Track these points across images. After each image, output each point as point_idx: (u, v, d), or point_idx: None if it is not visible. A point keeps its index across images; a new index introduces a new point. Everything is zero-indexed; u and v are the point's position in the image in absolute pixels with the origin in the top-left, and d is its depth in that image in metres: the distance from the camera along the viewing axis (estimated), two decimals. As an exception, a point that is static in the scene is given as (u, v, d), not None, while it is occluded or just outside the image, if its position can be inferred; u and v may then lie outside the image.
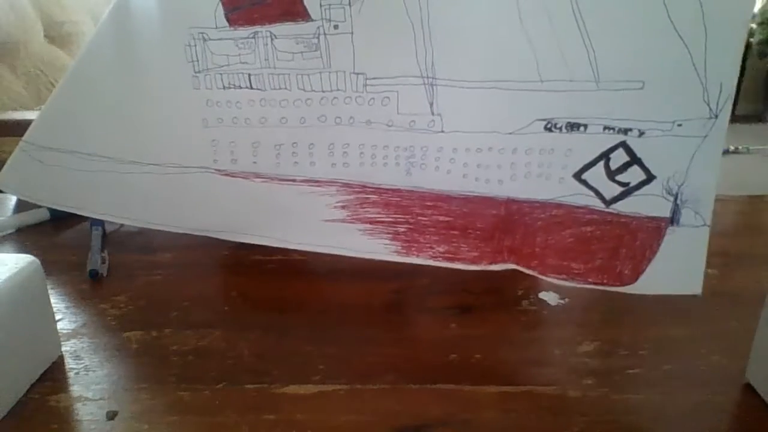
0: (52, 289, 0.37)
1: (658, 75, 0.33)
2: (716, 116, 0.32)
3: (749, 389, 0.34)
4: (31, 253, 0.35)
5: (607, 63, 0.33)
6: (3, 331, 0.32)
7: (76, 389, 0.34)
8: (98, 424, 0.32)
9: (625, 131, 0.34)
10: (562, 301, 0.43)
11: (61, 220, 0.55)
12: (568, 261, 0.38)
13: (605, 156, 0.35)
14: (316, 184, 0.41)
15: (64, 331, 0.39)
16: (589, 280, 0.38)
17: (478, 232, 0.40)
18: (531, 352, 0.38)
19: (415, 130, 0.38)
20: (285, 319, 0.41)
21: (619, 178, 0.35)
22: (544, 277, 0.39)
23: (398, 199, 0.40)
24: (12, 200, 0.62)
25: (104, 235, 0.51)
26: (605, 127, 0.34)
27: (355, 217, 0.41)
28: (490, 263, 0.40)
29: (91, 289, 0.45)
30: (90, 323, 0.41)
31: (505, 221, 0.39)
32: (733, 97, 0.32)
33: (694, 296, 0.45)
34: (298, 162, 0.40)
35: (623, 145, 0.34)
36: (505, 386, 0.34)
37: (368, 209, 0.41)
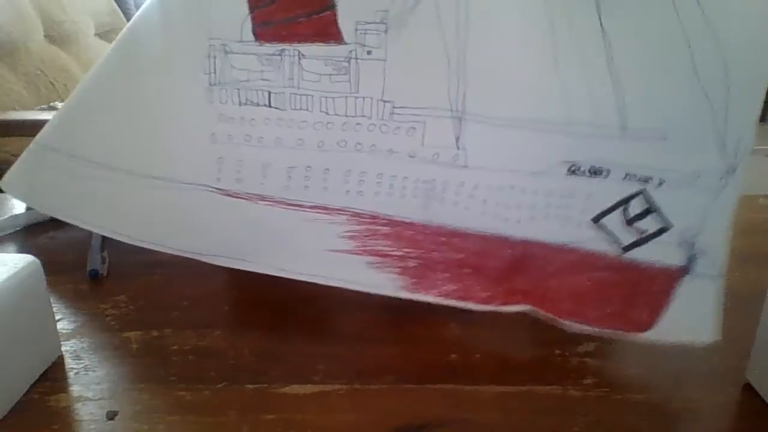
0: (52, 289, 0.37)
1: (681, 127, 0.33)
2: (734, 170, 0.33)
3: (749, 389, 0.34)
4: (31, 253, 0.35)
5: (634, 111, 0.33)
6: (3, 331, 0.32)
7: (76, 389, 0.34)
8: (98, 424, 0.32)
9: (646, 180, 0.34)
10: (562, 301, 0.43)
11: (61, 220, 0.55)
12: (584, 306, 0.37)
13: (624, 203, 0.35)
14: (325, 211, 0.39)
15: (64, 331, 0.39)
16: (606, 325, 0.37)
17: (491, 272, 0.38)
18: (531, 352, 0.38)
19: (439, 163, 0.37)
20: (285, 319, 0.41)
21: (636, 225, 0.35)
22: (560, 321, 0.38)
23: (411, 232, 0.39)
24: (13, 200, 0.62)
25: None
26: (627, 174, 0.35)
27: (363, 248, 0.39)
28: (503, 304, 0.39)
29: (91, 289, 0.45)
30: (90, 323, 0.41)
31: (519, 262, 0.38)
32: (749, 153, 0.33)
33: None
34: (309, 186, 0.39)
35: (643, 193, 0.35)
36: (505, 386, 0.34)
37: (378, 241, 0.39)
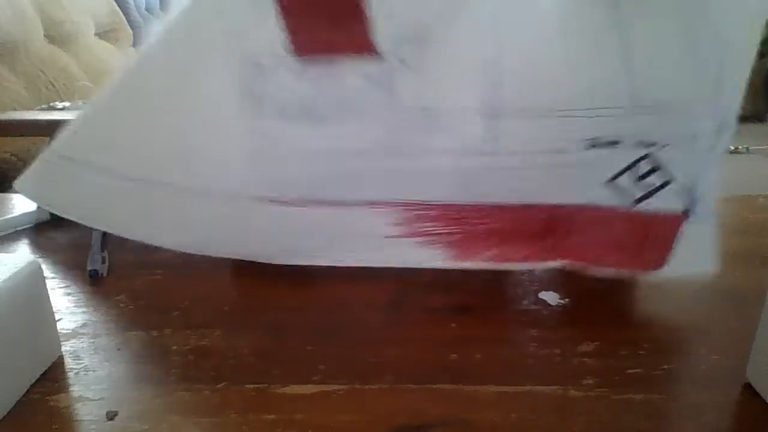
0: (52, 289, 0.37)
1: (682, 100, 0.38)
2: (724, 130, 0.39)
3: (749, 389, 0.34)
4: (31, 253, 0.35)
5: (644, 92, 0.38)
6: (3, 331, 0.32)
7: (76, 389, 0.34)
8: (98, 424, 0.32)
9: (652, 144, 0.39)
10: (562, 301, 0.43)
11: (61, 220, 0.55)
12: (605, 253, 0.42)
13: (634, 165, 0.40)
14: (371, 206, 0.41)
15: (64, 331, 0.39)
16: (625, 267, 0.42)
17: (525, 236, 0.43)
18: (531, 352, 0.38)
19: (473, 154, 0.40)
20: (285, 319, 0.41)
21: (644, 181, 0.40)
22: (585, 268, 0.43)
23: (453, 212, 0.42)
24: (13, 200, 0.62)
25: (104, 235, 0.51)
26: (636, 142, 0.39)
27: (410, 232, 0.42)
28: (539, 261, 0.44)
29: (91, 289, 0.45)
30: (90, 323, 0.41)
31: (548, 224, 0.42)
32: (737, 113, 0.39)
33: (694, 296, 0.45)
34: (354, 188, 0.41)
35: (649, 156, 0.40)
36: (505, 386, 0.34)
37: (423, 223, 0.42)
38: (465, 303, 0.43)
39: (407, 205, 0.42)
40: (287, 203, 0.41)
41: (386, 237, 0.42)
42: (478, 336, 0.39)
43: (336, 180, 0.40)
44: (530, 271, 0.47)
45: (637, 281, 0.46)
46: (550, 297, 0.43)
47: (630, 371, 0.36)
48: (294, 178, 0.40)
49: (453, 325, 0.41)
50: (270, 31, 0.37)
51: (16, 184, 0.47)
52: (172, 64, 0.39)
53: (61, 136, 0.44)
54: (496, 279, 0.46)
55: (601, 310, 0.42)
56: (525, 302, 0.43)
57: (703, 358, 0.37)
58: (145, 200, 0.43)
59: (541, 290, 0.44)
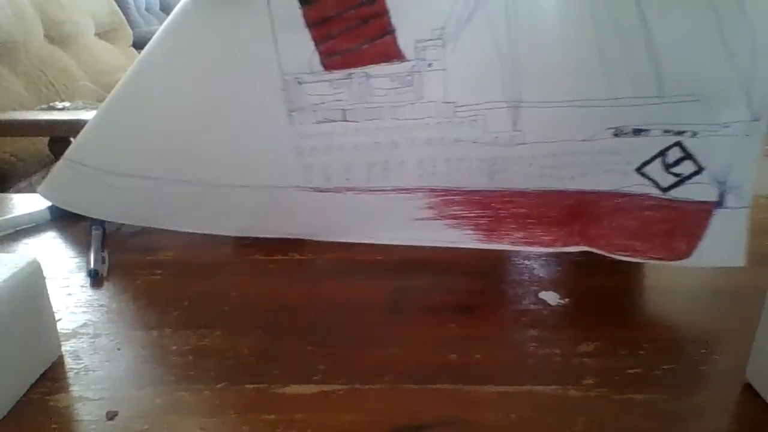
0: (52, 289, 0.37)
1: (711, 90, 0.38)
2: (758, 119, 0.38)
3: (749, 389, 0.34)
4: (31, 253, 0.35)
5: (670, 82, 0.38)
6: (3, 331, 0.32)
7: (76, 389, 0.34)
8: (98, 424, 0.32)
9: (681, 133, 0.39)
10: (562, 301, 0.43)
11: (61, 220, 0.55)
12: (632, 240, 0.43)
13: (663, 153, 0.40)
14: (405, 191, 0.45)
15: (64, 331, 0.39)
16: (650, 255, 0.43)
17: (551, 220, 0.44)
18: (531, 352, 0.38)
19: (499, 144, 0.41)
20: (285, 319, 0.41)
21: (673, 170, 0.40)
22: (611, 255, 0.43)
23: (480, 197, 0.44)
24: (12, 200, 0.62)
25: (104, 235, 0.51)
26: (664, 131, 0.39)
27: (440, 215, 0.45)
28: (564, 245, 0.45)
29: (91, 289, 0.45)
30: (90, 323, 0.41)
31: (575, 209, 0.43)
32: None
33: (694, 296, 0.45)
34: (389, 176, 0.44)
35: (678, 144, 0.39)
36: (505, 386, 0.34)
37: (453, 207, 0.45)
38: (465, 303, 0.43)
39: (435, 191, 0.44)
40: (328, 191, 0.45)
41: (416, 219, 0.46)
42: (478, 336, 0.39)
43: (370, 169, 0.44)
44: (530, 271, 0.47)
45: (636, 281, 0.46)
46: (550, 297, 0.43)
47: (630, 371, 0.36)
48: (333, 170, 0.44)
49: (453, 325, 0.41)
50: (305, 54, 0.40)
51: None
52: (219, 85, 0.43)
53: (106, 155, 0.48)
54: (496, 279, 0.46)
55: (601, 310, 0.42)
56: (525, 302, 0.43)
57: (703, 358, 0.37)
58: (190, 196, 0.47)
59: (541, 290, 0.44)
